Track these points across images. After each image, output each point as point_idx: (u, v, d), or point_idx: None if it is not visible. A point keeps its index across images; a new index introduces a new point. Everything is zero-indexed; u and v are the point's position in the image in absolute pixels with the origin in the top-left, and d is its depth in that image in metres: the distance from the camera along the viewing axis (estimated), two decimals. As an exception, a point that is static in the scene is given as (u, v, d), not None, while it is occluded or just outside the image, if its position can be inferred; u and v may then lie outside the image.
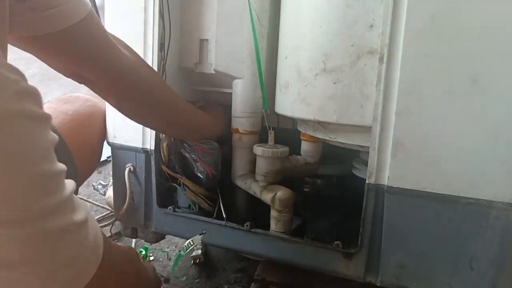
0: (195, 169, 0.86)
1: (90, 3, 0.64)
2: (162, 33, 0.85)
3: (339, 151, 0.86)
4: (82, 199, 1.58)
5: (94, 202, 1.57)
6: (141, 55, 0.87)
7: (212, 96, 0.99)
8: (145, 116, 0.82)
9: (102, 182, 1.82)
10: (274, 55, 0.88)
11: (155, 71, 0.84)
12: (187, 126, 0.88)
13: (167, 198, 0.93)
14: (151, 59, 0.86)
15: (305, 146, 0.91)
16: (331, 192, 1.00)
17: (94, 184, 1.79)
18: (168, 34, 0.87)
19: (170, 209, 0.90)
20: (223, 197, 0.90)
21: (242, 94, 0.90)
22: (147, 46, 0.87)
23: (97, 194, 1.74)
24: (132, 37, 0.88)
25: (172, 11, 0.87)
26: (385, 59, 0.64)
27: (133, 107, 0.79)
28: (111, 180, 1.26)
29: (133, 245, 1.25)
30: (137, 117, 0.82)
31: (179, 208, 0.92)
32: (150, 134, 0.89)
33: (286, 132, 0.98)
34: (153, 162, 0.90)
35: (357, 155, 0.90)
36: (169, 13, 0.86)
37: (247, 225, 0.82)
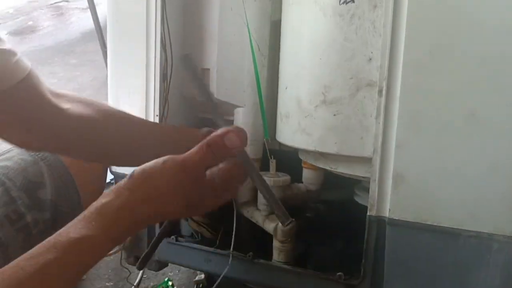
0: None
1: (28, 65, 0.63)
2: (164, 64, 0.86)
3: (341, 177, 0.87)
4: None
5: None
6: (144, 85, 0.88)
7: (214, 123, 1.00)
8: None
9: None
10: (274, 83, 0.89)
11: (119, 116, 0.76)
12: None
13: (170, 227, 0.93)
14: (153, 89, 0.87)
15: (306, 173, 0.91)
16: (333, 218, 1.00)
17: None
18: (170, 64, 0.88)
19: (173, 238, 0.90)
20: (225, 223, 0.91)
21: (243, 122, 0.90)
22: (149, 76, 0.88)
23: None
24: (134, 67, 0.89)
25: (173, 41, 0.88)
26: (384, 92, 0.65)
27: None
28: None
29: (139, 274, 1.27)
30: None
31: (182, 236, 0.92)
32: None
33: (288, 154, 0.98)
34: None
35: (358, 181, 0.90)
36: (171, 44, 0.87)
37: (249, 255, 0.82)
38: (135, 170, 0.56)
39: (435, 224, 0.63)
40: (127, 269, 1.19)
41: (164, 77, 0.87)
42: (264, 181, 0.61)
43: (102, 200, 0.54)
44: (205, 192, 0.57)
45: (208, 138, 0.56)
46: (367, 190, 0.71)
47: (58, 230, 0.97)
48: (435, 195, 0.63)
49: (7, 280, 0.49)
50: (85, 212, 0.54)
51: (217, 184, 0.57)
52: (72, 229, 0.52)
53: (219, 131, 0.56)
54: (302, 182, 0.92)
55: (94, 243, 0.52)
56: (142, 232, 0.95)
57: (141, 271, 1.27)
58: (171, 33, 0.87)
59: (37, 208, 0.91)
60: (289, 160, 0.92)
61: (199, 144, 0.56)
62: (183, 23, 0.92)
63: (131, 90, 0.91)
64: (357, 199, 0.87)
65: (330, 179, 0.96)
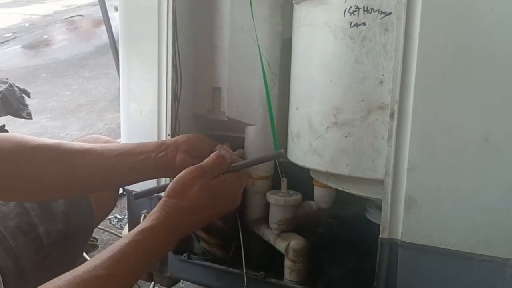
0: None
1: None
2: (176, 85, 0.87)
3: (352, 194, 0.86)
4: (101, 228, 1.61)
5: (110, 231, 1.60)
6: (155, 105, 0.89)
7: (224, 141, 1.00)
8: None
9: (118, 216, 1.83)
10: (285, 102, 0.89)
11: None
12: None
13: (182, 244, 0.93)
14: (165, 109, 0.88)
15: (318, 191, 0.91)
16: (344, 234, 0.99)
17: (110, 217, 1.81)
18: (179, 83, 0.89)
19: (185, 256, 0.91)
20: (236, 241, 0.91)
21: (254, 140, 0.91)
22: (161, 96, 0.88)
23: (113, 228, 1.75)
24: (145, 87, 0.90)
25: (185, 60, 0.89)
26: (395, 115, 0.64)
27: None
28: (127, 214, 1.28)
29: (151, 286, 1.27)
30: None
31: (194, 254, 0.92)
32: (164, 182, 0.90)
33: (299, 169, 0.98)
34: (167, 210, 0.90)
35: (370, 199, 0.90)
36: (180, 63, 0.88)
37: (261, 275, 0.82)
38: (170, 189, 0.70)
39: (448, 248, 0.63)
40: (137, 284, 1.19)
41: (175, 97, 0.88)
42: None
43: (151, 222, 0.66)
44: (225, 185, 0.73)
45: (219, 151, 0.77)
46: (378, 207, 0.70)
47: (70, 241, 0.99)
48: (448, 218, 0.62)
49: (96, 257, 0.60)
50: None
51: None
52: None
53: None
54: (313, 199, 0.92)
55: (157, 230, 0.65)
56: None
57: (152, 283, 1.27)
58: (182, 52, 0.88)
59: (50, 220, 0.93)
60: (300, 175, 0.92)
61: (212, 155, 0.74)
62: (194, 42, 0.93)
63: (143, 109, 0.92)
64: (368, 216, 0.86)
65: (341, 196, 0.95)
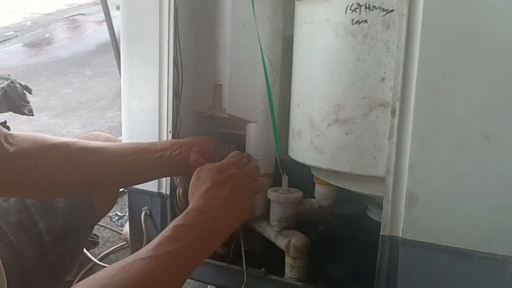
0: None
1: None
2: (177, 82, 0.87)
3: (353, 191, 0.86)
4: (101, 225, 1.61)
5: (111, 228, 1.60)
6: (157, 102, 0.89)
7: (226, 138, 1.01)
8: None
9: (119, 213, 1.83)
10: (287, 99, 0.89)
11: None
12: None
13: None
14: (166, 106, 0.88)
15: (319, 189, 0.91)
16: (345, 232, 0.99)
17: (110, 215, 1.81)
18: (181, 80, 0.89)
19: (185, 253, 0.90)
20: (237, 239, 0.91)
21: (255, 137, 0.91)
22: (162, 93, 0.88)
23: (113, 225, 1.75)
24: (147, 85, 0.90)
25: (186, 57, 0.89)
26: (397, 113, 0.64)
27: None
28: (127, 212, 1.28)
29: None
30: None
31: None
32: (166, 178, 0.90)
33: (299, 167, 0.98)
34: (168, 207, 0.91)
35: (371, 196, 0.90)
36: (181, 60, 0.88)
37: (262, 271, 0.82)
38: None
39: (448, 245, 0.63)
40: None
41: (176, 94, 0.88)
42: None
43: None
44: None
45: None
46: (379, 205, 0.70)
47: (71, 238, 0.99)
48: (449, 216, 0.62)
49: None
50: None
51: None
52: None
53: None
54: (314, 196, 0.92)
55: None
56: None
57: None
58: (184, 50, 0.88)
59: (50, 216, 0.93)
60: (301, 173, 0.92)
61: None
62: (196, 39, 0.93)
63: (144, 106, 0.92)
64: (369, 214, 0.86)
65: (342, 193, 0.95)
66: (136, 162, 0.78)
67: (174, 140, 0.87)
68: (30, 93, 1.71)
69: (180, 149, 0.80)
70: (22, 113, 1.62)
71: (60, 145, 0.76)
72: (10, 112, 1.63)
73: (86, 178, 0.77)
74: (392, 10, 0.64)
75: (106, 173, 0.78)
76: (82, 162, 0.76)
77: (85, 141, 0.79)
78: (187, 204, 0.89)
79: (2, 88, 1.55)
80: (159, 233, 0.93)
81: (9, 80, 1.61)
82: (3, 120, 1.62)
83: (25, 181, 0.74)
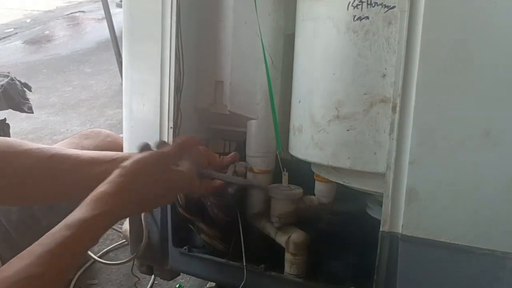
0: (211, 212, 0.87)
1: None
2: (179, 78, 0.87)
3: (353, 189, 0.86)
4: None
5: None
6: (158, 98, 0.89)
7: (226, 135, 1.01)
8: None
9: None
10: (288, 96, 0.89)
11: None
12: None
13: (182, 237, 0.93)
14: (167, 102, 0.88)
15: (319, 186, 0.91)
16: (345, 229, 0.99)
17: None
18: (182, 76, 0.89)
19: (185, 249, 0.91)
20: (237, 235, 0.91)
21: (256, 134, 0.91)
22: (163, 89, 0.89)
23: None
24: (148, 80, 0.90)
25: (188, 53, 0.89)
26: (398, 109, 0.65)
27: None
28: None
29: (151, 279, 1.27)
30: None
31: (195, 247, 0.92)
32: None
33: (300, 164, 0.98)
34: (168, 203, 0.91)
35: (371, 194, 0.90)
36: (183, 57, 0.88)
37: (261, 268, 0.82)
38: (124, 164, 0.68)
39: (448, 241, 0.63)
40: (137, 277, 1.20)
41: (177, 90, 0.88)
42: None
43: (99, 189, 0.65)
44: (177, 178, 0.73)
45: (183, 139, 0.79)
46: (379, 203, 0.71)
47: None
48: (448, 212, 0.63)
49: (27, 255, 0.54)
50: (87, 199, 0.63)
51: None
52: (78, 212, 0.61)
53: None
54: (314, 194, 0.93)
55: (96, 223, 0.61)
56: (155, 241, 0.96)
57: (152, 277, 1.27)
58: (186, 46, 0.88)
59: (52, 214, 0.93)
60: (301, 170, 0.92)
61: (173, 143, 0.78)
62: (197, 36, 0.93)
63: (145, 102, 0.92)
64: (369, 212, 0.86)
65: (342, 191, 0.96)
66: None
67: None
68: (30, 90, 1.72)
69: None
70: (22, 111, 1.62)
71: (34, 150, 0.75)
72: (9, 110, 1.64)
73: (61, 186, 0.76)
74: (394, 7, 0.65)
75: (81, 181, 0.75)
76: (54, 169, 0.75)
77: (63, 148, 0.79)
78: (187, 200, 0.90)
79: (2, 85, 1.55)
80: (159, 230, 0.94)
81: (8, 78, 1.61)
82: (3, 118, 1.62)
83: None
